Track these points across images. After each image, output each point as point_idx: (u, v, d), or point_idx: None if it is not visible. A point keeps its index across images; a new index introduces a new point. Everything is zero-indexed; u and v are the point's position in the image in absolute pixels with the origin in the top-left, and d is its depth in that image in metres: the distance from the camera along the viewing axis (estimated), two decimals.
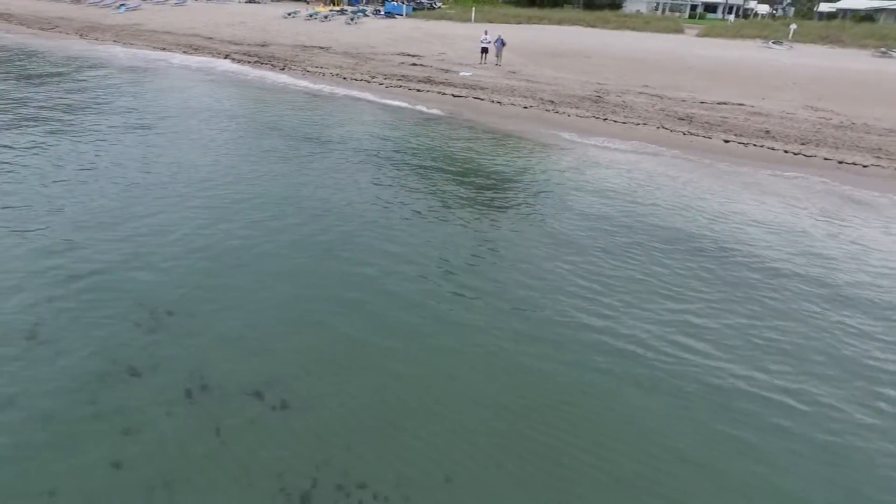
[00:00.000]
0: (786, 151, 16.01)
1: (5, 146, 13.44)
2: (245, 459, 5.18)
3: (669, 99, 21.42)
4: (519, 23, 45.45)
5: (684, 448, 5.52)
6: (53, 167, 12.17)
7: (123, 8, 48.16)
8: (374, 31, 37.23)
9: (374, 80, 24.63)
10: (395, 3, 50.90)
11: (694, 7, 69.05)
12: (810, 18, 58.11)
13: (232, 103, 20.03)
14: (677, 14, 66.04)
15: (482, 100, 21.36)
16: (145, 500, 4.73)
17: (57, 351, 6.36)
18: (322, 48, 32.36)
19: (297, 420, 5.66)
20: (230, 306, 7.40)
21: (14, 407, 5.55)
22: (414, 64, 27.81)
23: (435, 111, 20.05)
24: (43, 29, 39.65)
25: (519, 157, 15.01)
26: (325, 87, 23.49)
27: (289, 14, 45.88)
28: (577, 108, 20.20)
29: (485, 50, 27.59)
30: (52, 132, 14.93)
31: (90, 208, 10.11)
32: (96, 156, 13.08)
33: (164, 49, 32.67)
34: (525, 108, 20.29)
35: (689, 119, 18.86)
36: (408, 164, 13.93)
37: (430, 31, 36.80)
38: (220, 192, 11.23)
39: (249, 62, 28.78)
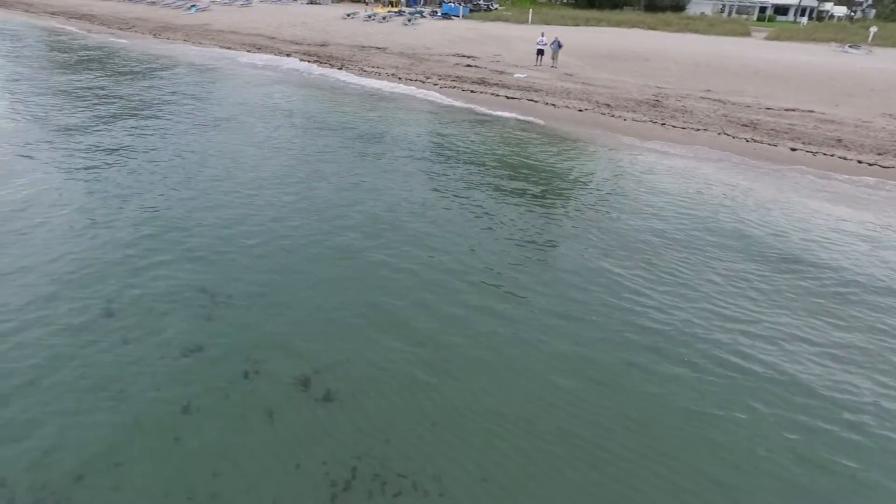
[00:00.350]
0: (859, 162, 15.08)
1: (87, 143, 14.40)
2: (292, 444, 5.36)
3: (732, 104, 20.59)
4: (577, 25, 44.77)
5: (719, 477, 5.31)
6: (130, 162, 12.96)
7: (194, 9, 50.63)
8: (430, 32, 37.59)
9: (428, 80, 24.86)
10: (452, 5, 51.17)
11: (763, 9, 66.02)
12: (893, 21, 54.43)
13: (297, 101, 20.65)
14: (745, 16, 63.32)
15: (536, 102, 21.18)
16: (201, 475, 4.99)
17: (125, 329, 6.80)
18: (379, 48, 32.95)
19: (341, 411, 5.81)
20: (283, 298, 7.67)
21: (87, 383, 5.95)
22: (469, 65, 27.89)
23: (488, 111, 20.05)
24: (121, 29, 42.19)
25: (572, 161, 14.80)
26: (386, 86, 23.87)
27: (348, 15, 46.96)
28: (635, 112, 19.72)
29: (540, 52, 27.35)
30: (131, 128, 15.89)
31: (161, 203, 10.71)
32: (169, 152, 13.84)
33: (229, 48, 34.12)
34: (580, 111, 19.98)
35: (752, 125, 18.06)
36: (459, 165, 13.99)
37: (485, 33, 36.81)
38: (282, 189, 11.63)
39: (309, 61, 29.64)
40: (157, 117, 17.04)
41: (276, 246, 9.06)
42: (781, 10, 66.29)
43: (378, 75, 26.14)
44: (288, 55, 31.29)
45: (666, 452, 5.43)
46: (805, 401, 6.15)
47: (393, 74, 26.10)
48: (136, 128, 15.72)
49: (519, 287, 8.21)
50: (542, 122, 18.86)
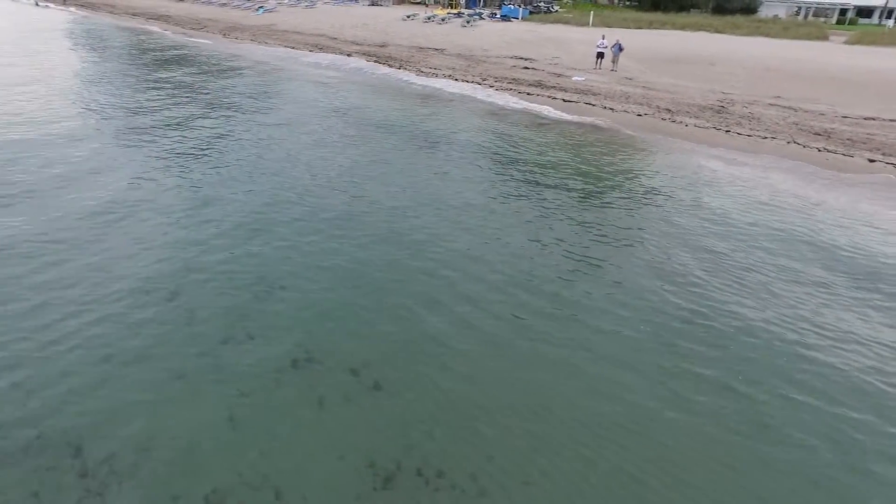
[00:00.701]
0: None
1: (160, 138, 15.26)
2: (338, 433, 5.51)
3: (805, 112, 19.51)
4: (639, 28, 43.62)
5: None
6: (200, 157, 13.64)
7: (261, 10, 52.70)
8: (488, 34, 37.56)
9: (485, 81, 24.86)
10: (511, 7, 50.95)
11: (843, 12, 62.17)
12: None
13: (360, 99, 21.09)
14: (822, 19, 59.87)
15: (594, 106, 20.80)
16: (252, 457, 5.20)
17: (189, 314, 7.16)
18: (437, 50, 33.23)
19: (386, 403, 5.91)
20: (336, 289, 7.89)
21: (150, 362, 6.31)
22: (526, 67, 27.71)
23: (544, 114, 19.85)
24: (194, 29, 44.42)
25: (628, 167, 14.44)
26: (446, 86, 24.06)
27: (408, 17, 47.60)
28: (697, 117, 19.03)
29: (600, 55, 26.83)
30: (202, 125, 16.72)
31: (227, 197, 11.23)
32: (237, 147, 14.49)
33: (293, 48, 35.29)
34: (639, 115, 19.46)
35: (826, 134, 17.06)
36: (512, 169, 13.92)
37: (544, 35, 36.45)
38: (341, 188, 11.94)
39: (369, 61, 30.26)
40: (228, 114, 17.84)
41: (331, 243, 9.27)
42: (865, 12, 62.20)
43: (435, 76, 26.37)
44: (349, 55, 32.05)
45: (710, 487, 5.19)
46: (880, 444, 5.76)
47: (450, 76, 26.27)
48: (205, 126, 16.50)
49: (568, 298, 8.06)
50: (598, 127, 18.49)
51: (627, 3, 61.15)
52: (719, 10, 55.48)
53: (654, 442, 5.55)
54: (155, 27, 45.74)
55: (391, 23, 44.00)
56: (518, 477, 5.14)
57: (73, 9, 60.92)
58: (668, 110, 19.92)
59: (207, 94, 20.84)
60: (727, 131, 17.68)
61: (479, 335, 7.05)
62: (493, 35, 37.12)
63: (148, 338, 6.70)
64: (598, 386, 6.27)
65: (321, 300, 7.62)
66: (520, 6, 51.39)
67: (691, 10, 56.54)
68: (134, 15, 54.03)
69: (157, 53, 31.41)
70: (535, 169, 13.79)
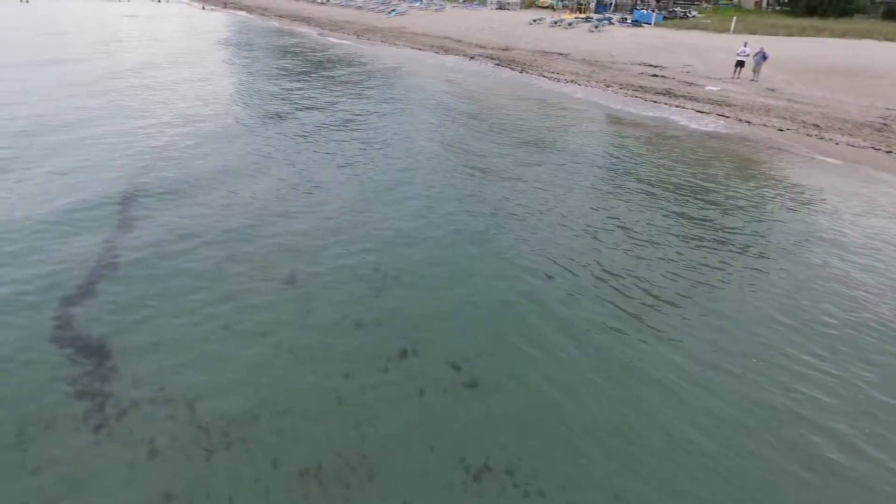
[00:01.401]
0: None
1: (288, 130, 16.61)
2: (433, 424, 5.68)
3: None
4: (789, 35, 39.70)
5: None
6: (325, 151, 14.67)
7: (394, 13, 55.28)
8: (617, 40, 36.30)
9: (608, 88, 24.10)
10: (644, 12, 48.76)
11: None
12: None
13: (487, 101, 21.48)
14: None
15: (727, 118, 19.34)
16: (351, 437, 5.50)
17: (305, 299, 7.68)
18: (561, 54, 32.76)
19: (483, 399, 5.99)
20: (446, 286, 8.12)
21: (266, 340, 6.82)
22: (654, 75, 26.42)
23: (681, 124, 18.80)
24: (331, 30, 47.75)
25: (760, 188, 13.24)
26: (571, 92, 23.73)
27: (534, 20, 47.31)
28: (851, 135, 16.98)
29: (740, 63, 24.87)
30: (332, 121, 17.98)
31: (351, 189, 11.98)
32: (366, 144, 15.39)
33: (420, 49, 36.64)
34: (780, 130, 17.78)
35: None
36: (627, 180, 13.36)
37: (677, 41, 34.47)
38: (462, 185, 12.29)
39: (492, 64, 30.59)
40: (365, 112, 18.98)
41: (444, 248, 9.39)
42: None
43: (557, 80, 26.02)
44: (472, 58, 32.64)
45: None
46: None
47: (572, 81, 25.78)
48: (340, 126, 17.66)
49: (679, 322, 7.58)
50: (730, 139, 17.14)
51: (778, 7, 55.88)
52: (891, 14, 48.80)
53: (753, 489, 5.09)
54: (300, 28, 49.87)
55: (516, 26, 44.05)
56: (609, 491, 4.97)
57: (230, 10, 68.24)
58: (816, 126, 17.99)
59: (342, 94, 22.31)
60: (888, 152, 15.59)
61: (581, 347, 6.89)
62: (622, 41, 35.81)
63: (266, 318, 7.20)
64: (699, 418, 5.86)
65: (429, 296, 7.86)
66: (653, 11, 49.05)
67: (855, 15, 50.29)
68: (281, 17, 59.26)
69: (306, 54, 34.06)
70: (657, 182, 13.11)
